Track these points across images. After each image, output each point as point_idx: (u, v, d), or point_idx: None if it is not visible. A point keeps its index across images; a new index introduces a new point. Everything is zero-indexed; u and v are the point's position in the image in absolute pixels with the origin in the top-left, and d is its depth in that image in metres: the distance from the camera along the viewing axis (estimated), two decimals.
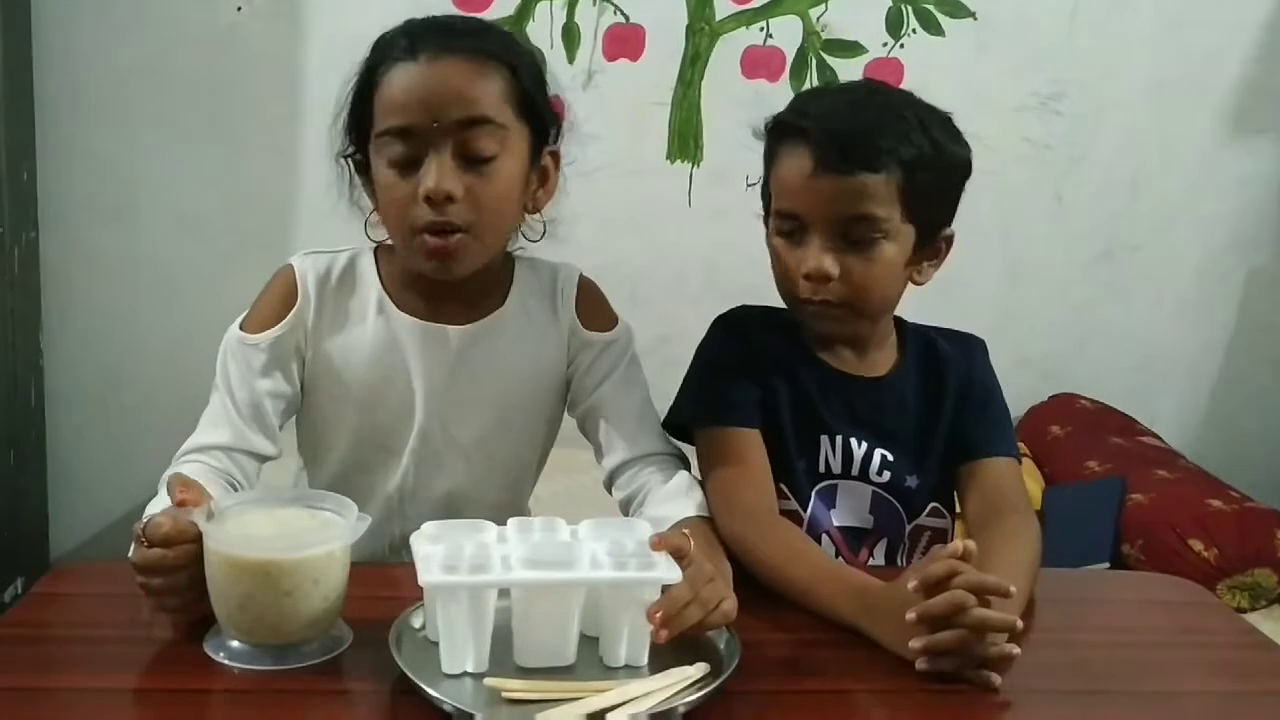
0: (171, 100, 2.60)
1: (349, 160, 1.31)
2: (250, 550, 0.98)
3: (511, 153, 1.25)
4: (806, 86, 2.69)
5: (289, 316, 1.30)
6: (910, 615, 0.99)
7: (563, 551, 0.99)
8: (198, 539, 1.00)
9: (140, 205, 2.64)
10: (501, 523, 1.07)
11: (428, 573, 0.95)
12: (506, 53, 1.25)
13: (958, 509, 1.36)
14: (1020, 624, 1.00)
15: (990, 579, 1.01)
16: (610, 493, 1.38)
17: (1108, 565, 2.24)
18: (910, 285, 1.33)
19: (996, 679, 0.99)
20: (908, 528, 1.34)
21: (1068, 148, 2.78)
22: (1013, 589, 1.01)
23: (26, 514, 2.61)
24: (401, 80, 1.22)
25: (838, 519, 1.33)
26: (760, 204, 1.35)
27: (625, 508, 1.35)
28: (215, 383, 1.31)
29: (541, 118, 1.28)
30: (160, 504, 1.13)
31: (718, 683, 0.95)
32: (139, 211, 2.65)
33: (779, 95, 2.67)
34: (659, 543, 1.00)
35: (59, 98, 2.56)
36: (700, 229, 2.72)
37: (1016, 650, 1.00)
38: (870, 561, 1.33)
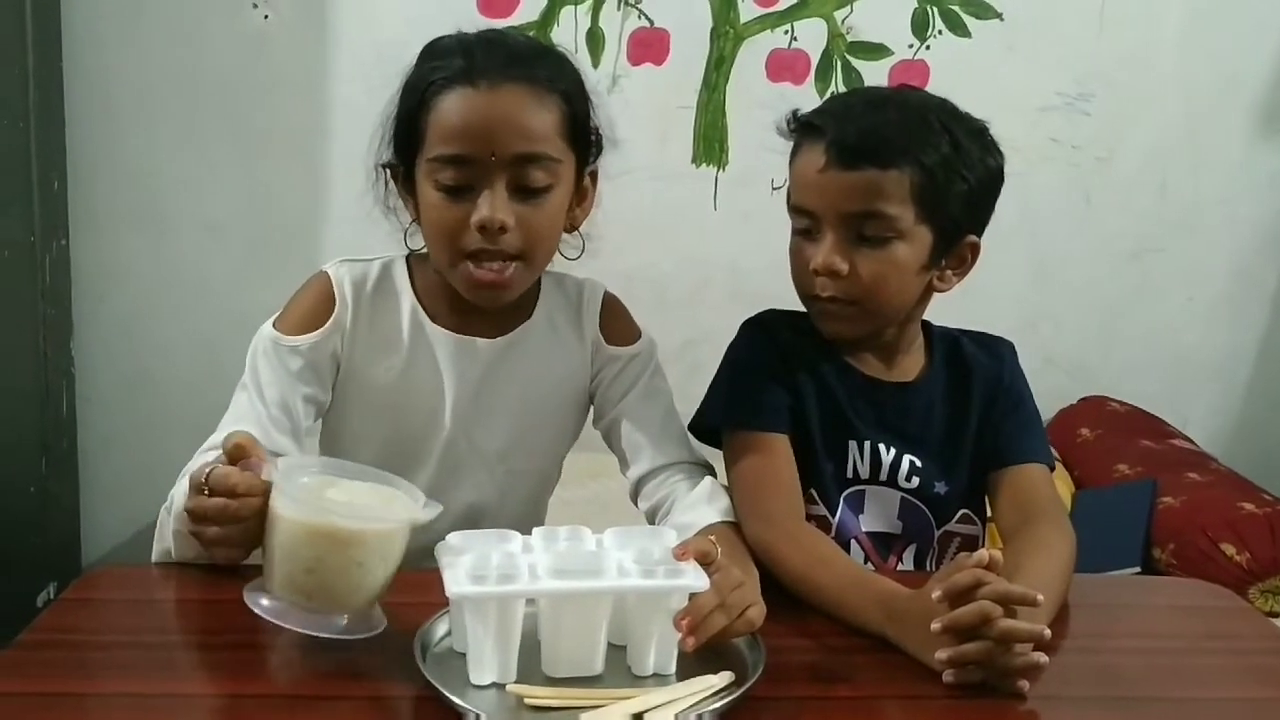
0: (198, 108, 2.61)
1: (385, 170, 1.31)
2: (330, 516, 0.97)
3: (561, 183, 1.26)
4: (832, 89, 2.68)
5: (328, 324, 1.30)
6: (935, 626, 0.99)
7: (590, 560, 0.99)
8: (263, 494, 1.01)
9: (168, 212, 2.65)
10: (522, 533, 1.07)
11: (455, 583, 0.95)
12: (563, 80, 1.25)
13: (989, 514, 1.36)
14: (1048, 633, 1.00)
15: (1016, 589, 1.00)
16: (636, 503, 1.38)
17: (1138, 569, 2.23)
18: (935, 292, 1.33)
19: (1025, 686, 0.99)
20: (937, 533, 1.34)
21: (1095, 148, 2.76)
22: (1040, 598, 1.00)
23: (58, 520, 2.62)
24: (459, 107, 1.20)
25: (866, 524, 1.33)
26: (787, 205, 1.35)
27: (651, 518, 1.35)
28: (243, 381, 1.31)
29: (587, 143, 1.29)
30: (183, 491, 1.13)
31: (743, 690, 0.95)
32: (167, 218, 2.66)
33: (804, 98, 2.66)
34: (684, 551, 1.00)
35: (88, 107, 2.57)
36: (725, 233, 2.72)
37: (1044, 660, 0.99)
38: (899, 567, 1.33)
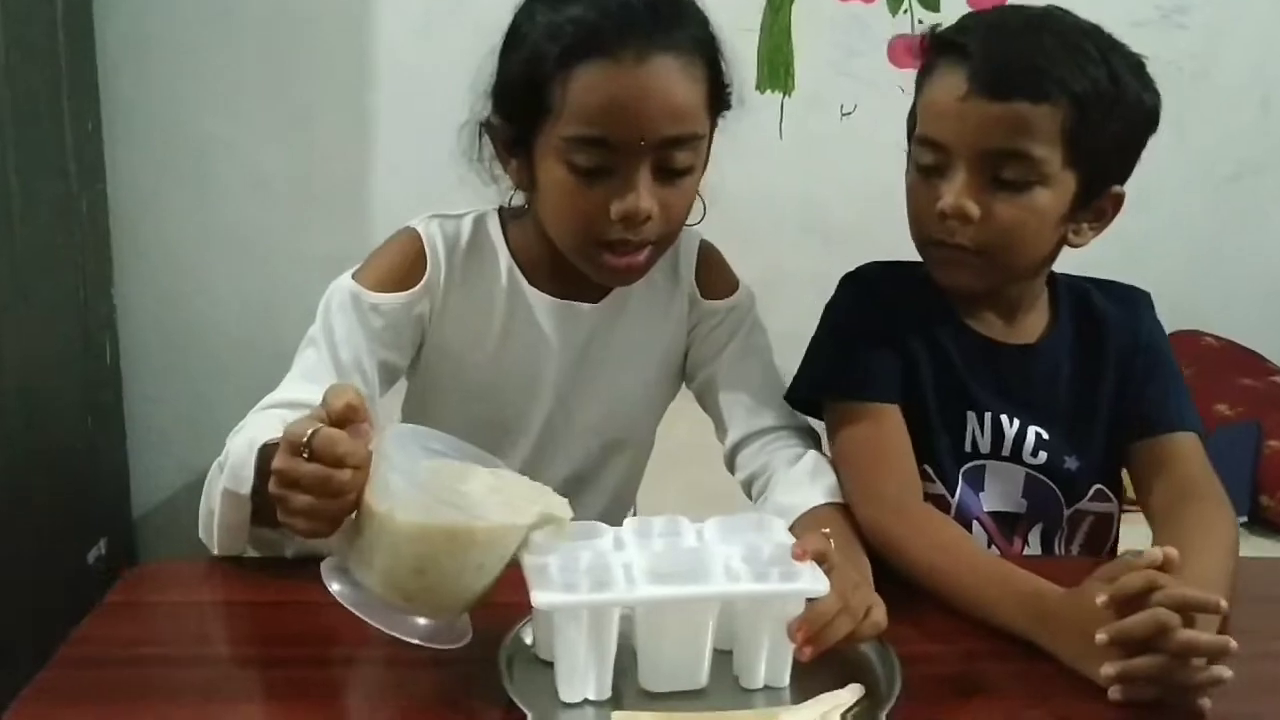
0: (236, 52, 2.48)
1: (485, 128, 1.16)
2: (455, 513, 0.83)
3: (701, 157, 1.14)
4: (905, 6, 2.50)
5: (418, 286, 1.19)
6: (1101, 637, 0.85)
7: (692, 560, 0.87)
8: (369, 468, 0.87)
9: (208, 156, 2.55)
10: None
11: (543, 591, 0.83)
12: (704, 38, 1.12)
13: (1126, 488, 1.22)
14: (1234, 645, 0.85)
15: (1197, 594, 0.86)
16: (732, 471, 1.26)
17: (1244, 519, 2.08)
18: (1068, 246, 1.18)
19: (1206, 705, 0.86)
20: (1066, 512, 1.20)
21: (1191, 63, 2.56)
22: (1224, 603, 0.87)
23: (107, 475, 2.56)
24: (603, 84, 1.05)
25: (987, 503, 1.19)
26: (908, 135, 1.19)
27: (748, 488, 1.24)
28: (312, 335, 1.18)
29: (722, 105, 1.15)
30: (242, 444, 1.01)
31: (884, 713, 0.83)
32: (207, 164, 2.55)
33: (874, 18, 2.52)
34: (803, 553, 0.87)
35: (121, 47, 2.45)
36: (794, 163, 2.55)
37: (1228, 674, 0.85)
38: (1025, 550, 1.19)
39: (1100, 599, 0.87)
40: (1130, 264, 2.47)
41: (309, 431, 0.87)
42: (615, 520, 1.35)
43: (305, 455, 0.87)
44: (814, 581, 0.86)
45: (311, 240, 2.49)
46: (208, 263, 2.60)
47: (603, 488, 1.30)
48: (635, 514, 1.43)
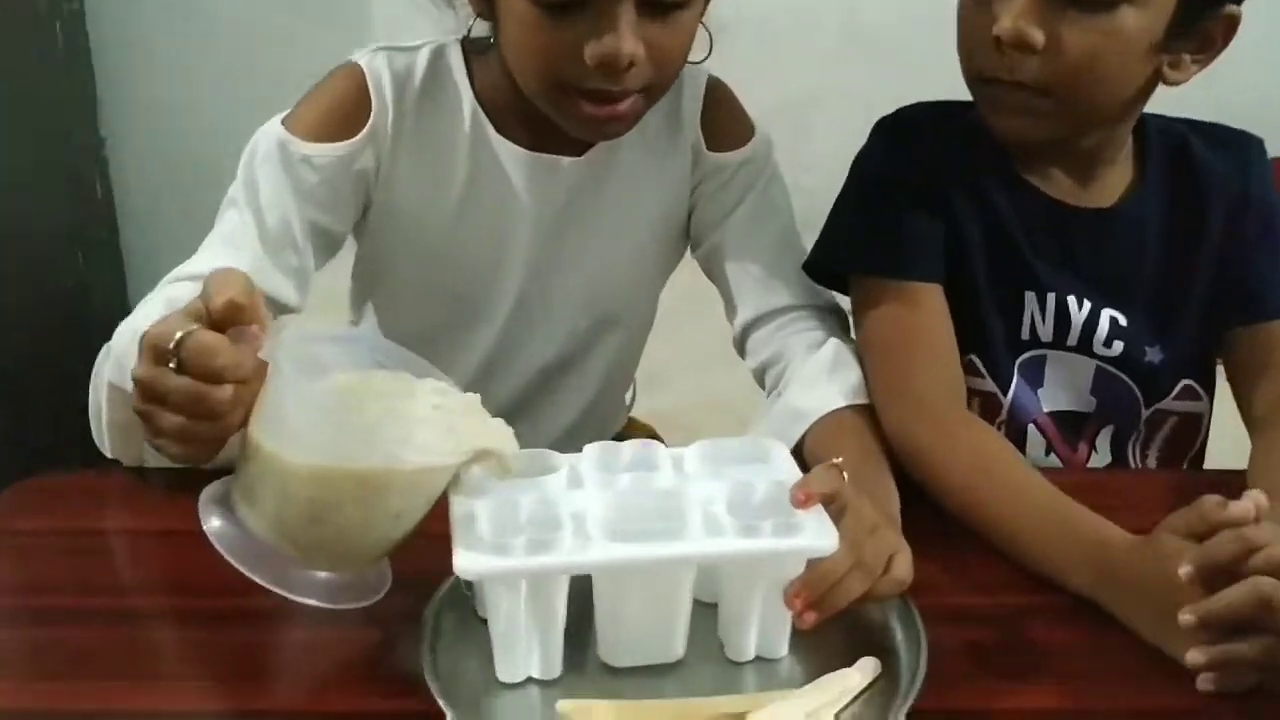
0: None
1: None
2: (368, 456, 0.66)
3: None
4: None
5: (361, 134, 0.99)
6: (1186, 618, 0.66)
7: (663, 509, 0.69)
8: (259, 379, 0.69)
9: None
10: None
11: (468, 551, 0.65)
12: None
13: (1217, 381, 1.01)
14: None
15: None
16: (742, 355, 1.07)
17: None
18: (1164, 84, 0.93)
19: None
20: (1145, 413, 1.00)
21: None
22: None
23: (106, 317, 2.41)
24: None
25: (1047, 402, 0.99)
26: None
27: (760, 378, 1.05)
28: (232, 195, 1.00)
29: None
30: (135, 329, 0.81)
31: (906, 705, 0.65)
32: None
33: None
34: (805, 497, 0.68)
35: None
36: None
37: None
38: (1092, 458, 1.00)
39: (1184, 570, 0.67)
40: (1213, 85, 2.22)
41: (177, 335, 0.69)
42: (609, 407, 1.19)
43: (174, 364, 0.70)
44: (817, 537, 0.67)
45: (303, 44, 2.29)
46: (198, 78, 2.45)
47: (590, 371, 1.12)
48: (634, 394, 1.25)
